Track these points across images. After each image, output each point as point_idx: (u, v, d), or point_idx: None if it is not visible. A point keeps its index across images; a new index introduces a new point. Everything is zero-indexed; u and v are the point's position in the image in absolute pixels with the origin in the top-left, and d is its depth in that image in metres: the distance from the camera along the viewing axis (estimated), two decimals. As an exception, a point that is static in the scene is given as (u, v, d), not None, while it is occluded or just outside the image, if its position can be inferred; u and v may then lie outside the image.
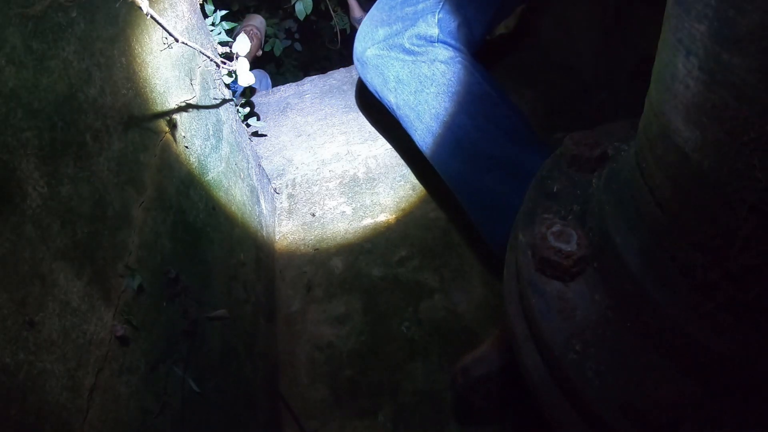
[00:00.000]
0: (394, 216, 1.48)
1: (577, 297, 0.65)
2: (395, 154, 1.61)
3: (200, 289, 0.93)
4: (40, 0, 0.62)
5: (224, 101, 1.23)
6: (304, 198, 1.58)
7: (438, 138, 1.18)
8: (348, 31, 2.93)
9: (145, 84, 0.85)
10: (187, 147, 0.98)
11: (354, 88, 1.79)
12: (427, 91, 1.16)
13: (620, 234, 0.61)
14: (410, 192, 1.52)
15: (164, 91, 0.92)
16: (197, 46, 1.00)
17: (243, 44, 1.13)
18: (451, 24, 1.18)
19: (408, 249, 1.40)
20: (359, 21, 2.62)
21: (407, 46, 1.18)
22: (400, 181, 1.54)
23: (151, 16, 0.81)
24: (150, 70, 0.88)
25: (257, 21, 2.57)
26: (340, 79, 1.86)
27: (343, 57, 3.11)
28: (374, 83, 1.28)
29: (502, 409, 1.08)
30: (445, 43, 1.18)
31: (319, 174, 1.61)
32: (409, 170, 1.56)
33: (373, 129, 1.67)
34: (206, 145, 1.08)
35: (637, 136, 0.62)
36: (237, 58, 1.13)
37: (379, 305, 1.31)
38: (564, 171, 0.78)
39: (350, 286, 1.36)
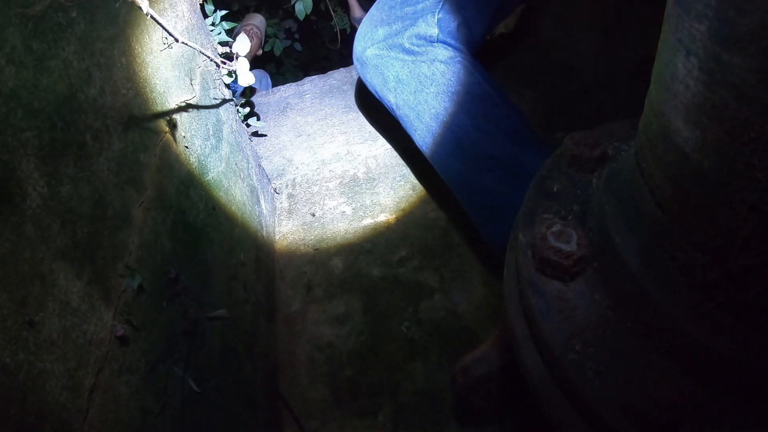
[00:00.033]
0: (394, 216, 1.48)
1: (577, 297, 0.65)
2: (395, 154, 1.61)
3: (200, 289, 0.93)
4: (40, 0, 0.62)
5: (224, 101, 1.23)
6: (304, 198, 1.58)
7: (438, 138, 1.18)
8: (348, 31, 2.93)
9: (145, 84, 0.85)
10: (187, 147, 0.98)
11: (354, 88, 1.79)
12: (427, 91, 1.16)
13: (620, 234, 0.61)
14: (410, 192, 1.52)
15: (164, 91, 0.92)
16: (197, 46, 1.00)
17: (243, 44, 1.13)
18: (451, 24, 1.18)
19: (408, 249, 1.40)
20: (359, 21, 2.62)
21: (407, 45, 1.18)
22: (400, 181, 1.54)
23: (151, 16, 0.81)
24: (150, 70, 0.88)
25: (257, 20, 2.57)
26: (340, 79, 1.86)
27: (343, 57, 3.11)
28: (374, 83, 1.28)
29: (502, 409, 1.08)
30: (444, 43, 1.18)
31: (319, 174, 1.61)
32: (409, 170, 1.56)
33: (373, 129, 1.67)
34: (206, 145, 1.08)
35: (637, 136, 0.62)
36: (237, 58, 1.13)
37: (379, 305, 1.31)
38: (564, 171, 0.78)
39: (350, 286, 1.36)
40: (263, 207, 1.43)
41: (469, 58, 1.19)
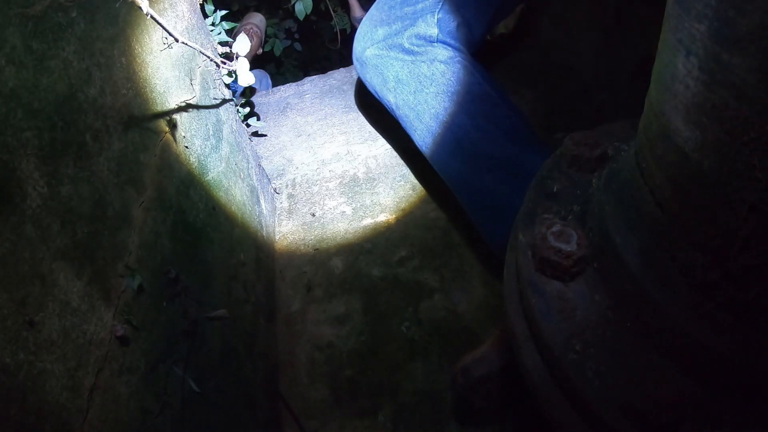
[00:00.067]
0: (394, 216, 1.48)
1: (577, 297, 0.65)
2: (395, 154, 1.61)
3: (200, 289, 0.93)
4: (40, 0, 0.62)
5: (224, 101, 1.23)
6: (304, 198, 1.58)
7: (438, 138, 1.18)
8: (348, 31, 2.93)
9: (145, 84, 0.85)
10: (187, 147, 0.98)
11: (354, 88, 1.79)
12: (427, 91, 1.16)
13: (620, 234, 0.61)
14: (410, 192, 1.52)
15: (164, 91, 0.92)
16: (197, 46, 1.00)
17: (243, 44, 1.13)
18: (451, 24, 1.18)
19: (408, 249, 1.40)
20: (359, 21, 2.62)
21: (407, 46, 1.18)
22: (400, 181, 1.54)
23: (151, 16, 0.81)
24: (150, 70, 0.88)
25: (257, 19, 2.56)
26: (340, 79, 1.86)
27: (343, 57, 3.11)
28: (373, 83, 1.28)
29: (502, 409, 1.08)
30: (444, 43, 1.18)
31: (319, 174, 1.61)
32: (409, 170, 1.56)
33: (373, 129, 1.67)
34: (206, 145, 1.08)
35: (637, 136, 0.62)
36: (237, 58, 1.13)
37: (379, 305, 1.31)
38: (564, 171, 0.78)
39: (350, 286, 1.36)
40: (263, 207, 1.43)
41: (469, 58, 1.19)
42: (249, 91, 1.60)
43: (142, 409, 0.69)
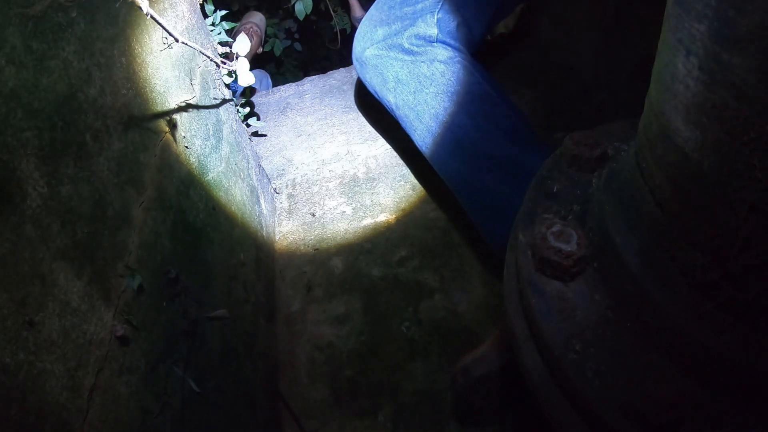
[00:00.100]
0: (394, 216, 1.48)
1: (577, 297, 0.65)
2: (395, 154, 1.61)
3: (200, 289, 0.93)
4: (40, 0, 0.62)
5: (224, 101, 1.23)
6: (304, 198, 1.58)
7: (438, 138, 1.18)
8: (348, 31, 2.93)
9: (145, 84, 0.85)
10: (187, 147, 0.98)
11: (354, 88, 1.79)
12: (427, 91, 1.16)
13: (620, 234, 0.61)
14: (410, 192, 1.52)
15: (164, 91, 0.92)
16: (197, 46, 1.00)
17: (243, 44, 1.13)
18: (451, 24, 1.18)
19: (408, 249, 1.40)
20: (360, 21, 2.62)
21: (406, 46, 1.18)
22: (400, 181, 1.54)
23: (151, 16, 0.81)
24: (150, 70, 0.88)
25: (257, 18, 2.56)
26: (340, 79, 1.86)
27: (343, 57, 3.11)
28: (373, 83, 1.28)
29: (502, 409, 1.08)
30: (444, 43, 1.18)
31: (319, 174, 1.61)
32: (409, 170, 1.56)
33: (373, 129, 1.67)
34: (206, 145, 1.08)
35: (637, 136, 0.62)
36: (237, 58, 1.13)
37: (379, 305, 1.31)
38: (564, 171, 0.78)
39: (350, 286, 1.36)
40: (263, 207, 1.43)
41: (469, 58, 1.19)
42: (249, 91, 1.60)
43: (142, 409, 0.69)
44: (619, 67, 1.49)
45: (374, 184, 1.55)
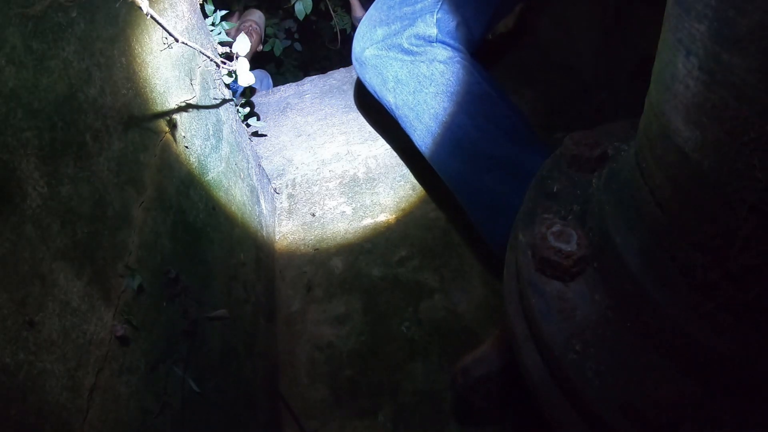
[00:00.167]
0: (394, 216, 1.48)
1: (577, 297, 0.65)
2: (395, 154, 1.61)
3: (200, 289, 0.93)
4: (40, 0, 0.62)
5: (224, 101, 1.23)
6: (304, 198, 1.58)
7: (437, 138, 1.18)
8: (348, 31, 2.93)
9: (145, 84, 0.85)
10: (187, 147, 0.98)
11: (354, 88, 1.79)
12: (426, 91, 1.16)
13: (620, 234, 0.61)
14: (410, 192, 1.52)
15: (164, 91, 0.92)
16: (197, 46, 1.00)
17: (243, 44, 1.13)
18: (450, 24, 1.18)
19: (408, 249, 1.40)
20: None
21: (406, 46, 1.18)
22: (400, 181, 1.54)
23: (151, 16, 0.81)
24: (150, 70, 0.88)
25: (256, 16, 2.55)
26: (340, 79, 1.86)
27: (343, 57, 3.11)
28: (373, 83, 1.28)
29: (502, 409, 1.08)
30: (443, 43, 1.18)
31: (319, 174, 1.61)
32: (409, 170, 1.56)
33: (373, 129, 1.67)
34: (206, 145, 1.08)
35: (637, 136, 0.62)
36: (237, 58, 1.13)
37: (379, 305, 1.31)
38: (564, 171, 0.78)
39: (350, 286, 1.36)
40: (263, 207, 1.43)
41: (469, 57, 1.19)
42: (249, 91, 1.60)
43: (142, 409, 0.69)
44: (619, 67, 1.49)
45: (374, 184, 1.55)
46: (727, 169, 0.46)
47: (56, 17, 0.65)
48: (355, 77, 1.82)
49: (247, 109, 1.54)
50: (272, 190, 1.60)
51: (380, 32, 1.22)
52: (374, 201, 1.51)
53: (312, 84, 1.86)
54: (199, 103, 1.07)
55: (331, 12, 2.87)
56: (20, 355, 0.50)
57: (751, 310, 0.51)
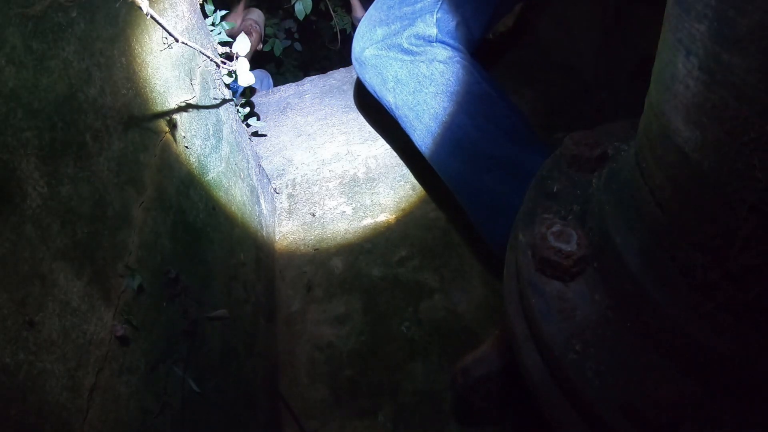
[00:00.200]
0: (394, 216, 1.48)
1: (577, 297, 0.65)
2: (395, 154, 1.61)
3: (200, 289, 0.93)
4: (40, 0, 0.62)
5: (224, 101, 1.23)
6: (304, 198, 1.58)
7: (437, 138, 1.18)
8: (348, 31, 2.93)
9: (145, 84, 0.85)
10: (187, 147, 0.98)
11: (354, 88, 1.79)
12: (426, 91, 1.16)
13: (620, 234, 0.61)
14: (410, 192, 1.52)
15: (164, 91, 0.92)
16: (197, 46, 1.00)
17: (243, 44, 1.13)
18: (450, 24, 1.18)
19: (408, 249, 1.40)
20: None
21: (405, 46, 1.18)
22: (400, 181, 1.54)
23: (151, 16, 0.81)
24: (150, 70, 0.88)
25: (255, 15, 2.55)
26: (340, 79, 1.86)
27: (343, 57, 3.11)
28: (373, 83, 1.28)
29: (502, 409, 1.08)
30: (443, 42, 1.18)
31: (319, 174, 1.61)
32: (409, 170, 1.56)
33: (373, 129, 1.67)
34: (206, 145, 1.08)
35: (637, 136, 0.62)
36: (237, 58, 1.13)
37: (379, 305, 1.31)
38: (564, 171, 0.78)
39: (350, 286, 1.36)
40: (263, 207, 1.43)
41: (468, 57, 1.19)
42: (249, 91, 1.60)
43: (142, 409, 0.69)
44: (619, 67, 1.49)
45: (374, 184, 1.55)
46: (727, 169, 0.46)
47: (56, 17, 0.65)
48: (355, 77, 1.82)
49: (247, 109, 1.54)
50: (272, 190, 1.60)
51: (380, 32, 1.22)
52: (374, 201, 1.51)
53: (312, 84, 1.86)
54: (199, 103, 1.07)
55: (331, 12, 2.87)
56: (20, 355, 0.50)
57: (751, 310, 0.51)
